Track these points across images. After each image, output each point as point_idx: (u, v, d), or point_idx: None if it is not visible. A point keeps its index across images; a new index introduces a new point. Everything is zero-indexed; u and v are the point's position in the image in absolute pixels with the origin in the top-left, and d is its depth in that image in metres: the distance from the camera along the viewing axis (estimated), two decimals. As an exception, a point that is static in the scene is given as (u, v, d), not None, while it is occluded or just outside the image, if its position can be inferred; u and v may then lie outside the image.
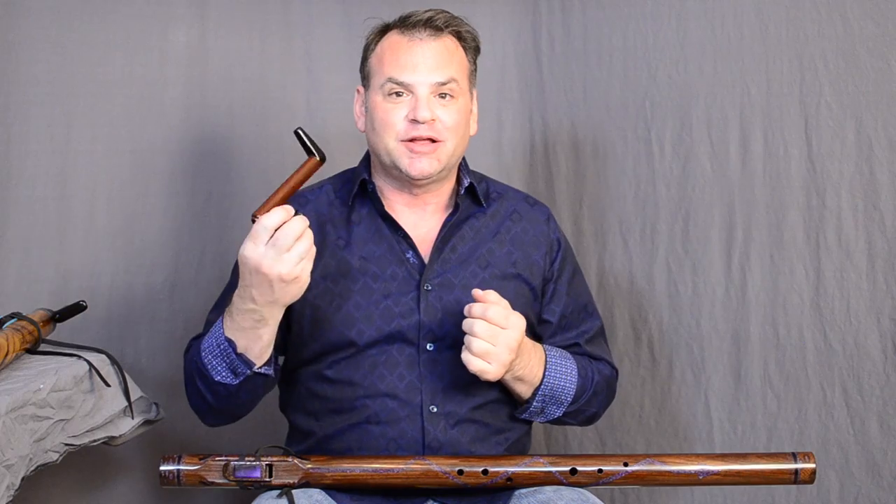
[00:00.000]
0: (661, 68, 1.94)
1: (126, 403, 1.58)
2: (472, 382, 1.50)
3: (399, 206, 1.60)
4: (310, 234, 1.36)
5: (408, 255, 1.57)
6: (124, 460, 1.97)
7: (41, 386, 1.41)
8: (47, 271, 1.88)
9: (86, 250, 1.92)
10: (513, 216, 1.64)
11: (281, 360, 1.70)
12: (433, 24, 1.55)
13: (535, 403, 1.54)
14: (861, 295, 1.69)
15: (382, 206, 1.58)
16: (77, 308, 1.68)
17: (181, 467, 1.43)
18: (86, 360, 1.53)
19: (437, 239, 1.58)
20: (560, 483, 1.45)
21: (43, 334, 1.58)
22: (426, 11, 1.56)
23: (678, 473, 1.44)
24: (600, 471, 1.44)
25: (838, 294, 1.72)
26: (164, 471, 1.43)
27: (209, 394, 1.50)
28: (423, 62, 1.52)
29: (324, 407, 1.57)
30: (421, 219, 1.61)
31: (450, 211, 1.61)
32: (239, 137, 2.09)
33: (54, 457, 1.46)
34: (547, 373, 1.53)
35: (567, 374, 1.55)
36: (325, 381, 1.57)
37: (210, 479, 1.43)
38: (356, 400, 1.53)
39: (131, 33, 1.96)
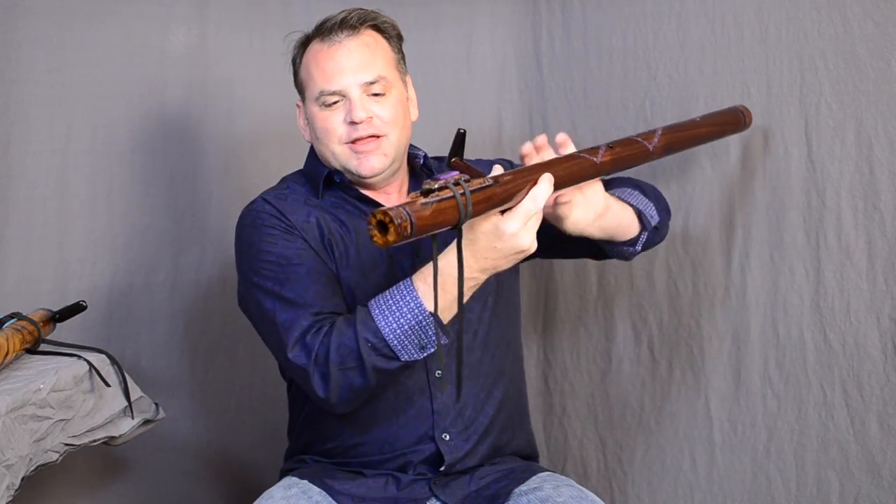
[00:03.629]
0: (661, 68, 1.94)
1: (126, 403, 1.58)
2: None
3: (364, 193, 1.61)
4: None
5: None
6: (124, 460, 1.97)
7: (41, 386, 1.41)
8: (47, 271, 1.88)
9: (86, 250, 1.92)
10: None
11: None
12: (348, 23, 1.55)
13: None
14: (861, 295, 1.69)
15: (357, 190, 1.59)
16: (77, 308, 1.68)
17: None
18: (86, 360, 1.53)
19: None
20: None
21: (43, 334, 1.58)
22: (340, 13, 1.57)
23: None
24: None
25: (838, 294, 1.72)
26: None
27: (377, 377, 1.43)
28: (348, 64, 1.54)
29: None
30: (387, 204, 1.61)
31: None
32: (239, 137, 2.09)
33: (54, 457, 1.45)
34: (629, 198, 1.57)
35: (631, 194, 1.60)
36: None
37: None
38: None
39: (131, 33, 1.96)
